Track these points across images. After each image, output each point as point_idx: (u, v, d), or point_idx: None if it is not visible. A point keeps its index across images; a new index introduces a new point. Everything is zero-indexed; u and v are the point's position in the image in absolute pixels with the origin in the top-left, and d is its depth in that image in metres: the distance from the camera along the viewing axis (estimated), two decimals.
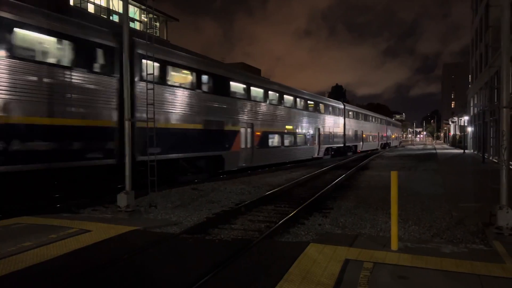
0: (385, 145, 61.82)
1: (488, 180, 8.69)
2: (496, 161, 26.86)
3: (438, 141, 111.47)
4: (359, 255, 5.89)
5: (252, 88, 20.63)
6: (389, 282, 4.88)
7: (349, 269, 5.29)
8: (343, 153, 37.07)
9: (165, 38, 35.34)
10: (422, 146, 75.48)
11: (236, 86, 19.32)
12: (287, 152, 24.34)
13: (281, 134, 23.64)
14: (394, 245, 6.24)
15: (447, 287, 4.75)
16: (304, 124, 26.29)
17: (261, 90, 21.75)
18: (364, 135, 45.57)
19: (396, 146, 70.86)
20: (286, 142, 24.13)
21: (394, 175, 6.18)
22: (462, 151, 42.29)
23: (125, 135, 9.86)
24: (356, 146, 42.04)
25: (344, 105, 38.41)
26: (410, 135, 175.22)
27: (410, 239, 7.17)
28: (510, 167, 7.28)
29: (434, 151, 47.22)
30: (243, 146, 19.49)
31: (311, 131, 27.33)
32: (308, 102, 27.94)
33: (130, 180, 9.78)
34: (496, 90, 28.78)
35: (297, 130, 25.36)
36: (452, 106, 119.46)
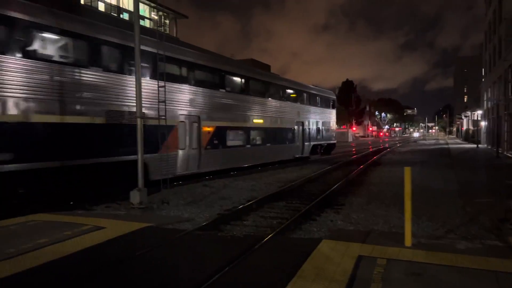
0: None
1: (502, 175, 8.57)
2: (510, 156, 26.46)
3: (450, 136, 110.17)
4: (372, 252, 5.86)
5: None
6: (403, 278, 4.85)
7: (363, 265, 5.28)
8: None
9: (174, 36, 35.44)
10: (434, 141, 74.68)
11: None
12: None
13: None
14: (408, 241, 6.19)
15: (463, 283, 4.70)
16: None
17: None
18: None
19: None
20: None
21: (407, 171, 6.13)
22: (475, 145, 41.73)
23: (137, 133, 10.02)
24: None
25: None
26: (422, 130, 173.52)
27: (423, 235, 7.11)
28: None
29: (446, 146, 46.71)
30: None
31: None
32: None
33: (142, 177, 9.87)
34: (510, 83, 28.34)
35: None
36: (465, 100, 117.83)
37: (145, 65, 12.79)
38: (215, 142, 16.72)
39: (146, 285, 4.87)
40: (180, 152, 14.81)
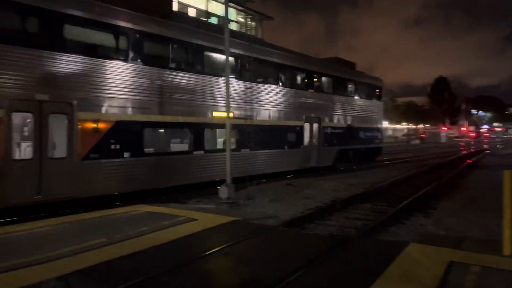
0: None
1: None
2: None
3: None
4: (465, 258, 5.55)
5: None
6: None
7: (454, 271, 5.04)
8: None
9: (259, 37, 36.24)
10: None
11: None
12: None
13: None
14: (507, 249, 5.75)
15: None
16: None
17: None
18: None
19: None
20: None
21: (507, 174, 5.71)
22: None
23: (226, 133, 10.58)
24: None
25: None
26: None
27: None
28: None
29: None
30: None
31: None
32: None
33: (230, 173, 10.41)
34: None
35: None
36: None
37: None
38: (114, 146, 10.60)
39: (234, 274, 5.21)
40: (12, 165, 8.87)
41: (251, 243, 6.64)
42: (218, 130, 13.86)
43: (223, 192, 10.25)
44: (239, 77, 14.52)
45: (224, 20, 11.23)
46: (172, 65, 12.37)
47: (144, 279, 4.83)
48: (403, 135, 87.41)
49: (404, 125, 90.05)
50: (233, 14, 35.04)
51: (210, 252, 5.97)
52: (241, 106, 14.02)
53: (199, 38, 13.13)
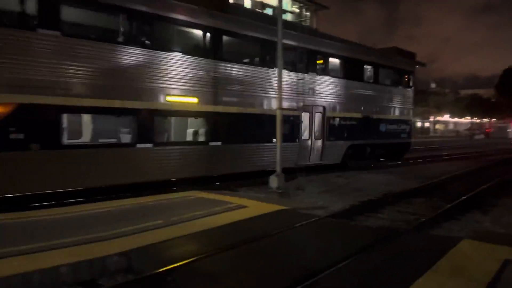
0: None
1: None
2: None
3: None
4: None
5: None
6: None
7: (509, 269, 4.85)
8: None
9: (314, 27, 35.83)
10: None
11: None
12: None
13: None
14: None
15: None
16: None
17: None
18: None
19: None
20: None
21: None
22: None
23: (277, 124, 10.72)
24: None
25: None
26: None
27: None
28: None
29: None
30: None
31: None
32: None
33: (280, 164, 10.56)
34: None
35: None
36: None
37: None
38: (16, 136, 8.29)
39: (280, 259, 5.37)
40: None
41: (299, 231, 6.78)
42: (174, 118, 11.78)
43: (273, 181, 10.44)
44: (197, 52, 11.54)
45: (278, 10, 11.29)
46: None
47: (193, 260, 5.16)
48: (466, 130, 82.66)
49: (467, 119, 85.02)
50: (288, 4, 35.02)
51: (258, 237, 6.19)
52: (207, 90, 11.55)
53: None
